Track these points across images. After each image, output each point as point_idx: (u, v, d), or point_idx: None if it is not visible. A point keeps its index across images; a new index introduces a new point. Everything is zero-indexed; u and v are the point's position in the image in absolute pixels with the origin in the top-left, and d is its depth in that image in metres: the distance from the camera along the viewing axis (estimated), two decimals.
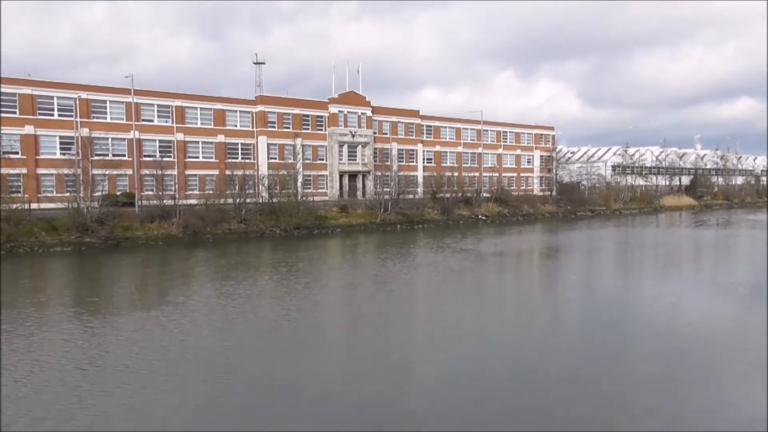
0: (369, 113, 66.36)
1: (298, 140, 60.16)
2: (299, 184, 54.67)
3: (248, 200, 48.85)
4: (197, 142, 55.91)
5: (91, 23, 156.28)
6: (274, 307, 20.67)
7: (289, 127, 60.93)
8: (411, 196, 61.40)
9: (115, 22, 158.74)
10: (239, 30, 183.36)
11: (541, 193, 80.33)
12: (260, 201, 50.72)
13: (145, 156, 51.67)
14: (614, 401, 11.62)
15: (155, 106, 53.67)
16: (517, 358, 14.31)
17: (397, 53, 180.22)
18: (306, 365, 14.11)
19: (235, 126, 58.55)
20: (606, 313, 19.30)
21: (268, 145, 59.45)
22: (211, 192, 50.35)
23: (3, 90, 46.76)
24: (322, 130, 63.60)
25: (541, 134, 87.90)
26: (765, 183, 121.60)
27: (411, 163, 71.22)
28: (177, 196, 46.46)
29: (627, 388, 12.23)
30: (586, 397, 11.91)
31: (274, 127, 60.03)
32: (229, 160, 56.14)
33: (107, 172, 45.86)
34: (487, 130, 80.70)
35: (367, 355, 15.00)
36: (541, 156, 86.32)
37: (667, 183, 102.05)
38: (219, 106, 57.22)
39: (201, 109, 56.27)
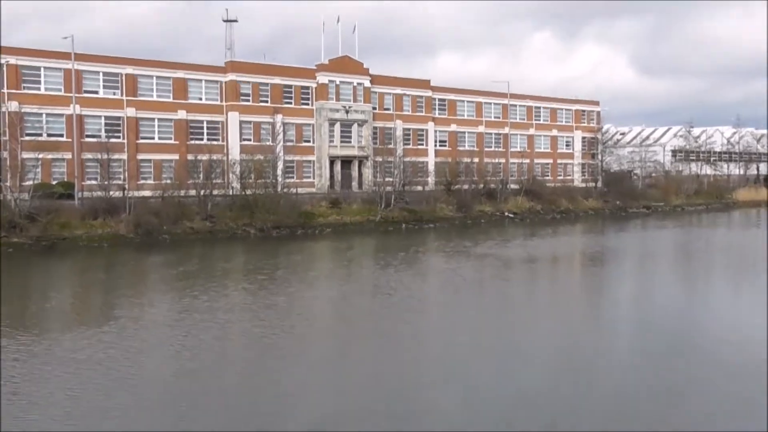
0: (367, 83, 66.63)
1: (279, 117, 60.45)
2: (279, 171, 54.91)
3: (215, 192, 49.03)
4: (152, 120, 56.16)
5: None
6: (247, 323, 20.98)
7: (267, 101, 61.16)
8: (419, 188, 61.45)
9: None
10: None
11: (584, 185, 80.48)
12: (230, 193, 50.82)
13: (87, 136, 51.88)
14: None
15: (101, 74, 53.91)
16: (552, 395, 14.41)
17: (405, 10, 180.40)
18: (287, 395, 14.40)
19: (200, 99, 58.77)
20: (665, 335, 19.48)
21: (241, 123, 59.68)
22: (169, 182, 50.54)
23: None
24: (308, 104, 63.84)
25: (584, 110, 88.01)
26: None
27: (420, 146, 71.50)
28: (127, 186, 46.64)
29: None
30: None
31: (248, 100, 60.26)
32: (192, 142, 56.42)
33: (40, 156, 46.10)
34: (516, 105, 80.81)
35: (365, 385, 15.28)
36: (584, 138, 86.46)
37: (742, 172, 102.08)
38: (180, 74, 57.50)
39: (157, 78, 56.49)
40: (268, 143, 57.81)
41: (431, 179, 66.49)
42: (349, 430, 12.51)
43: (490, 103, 78.53)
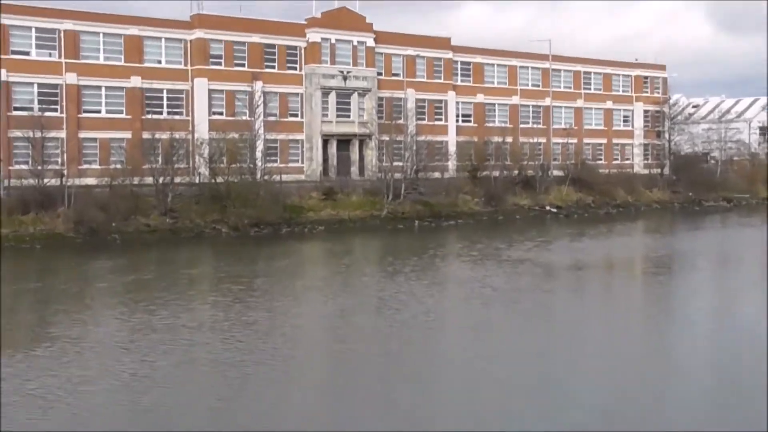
0: (371, 42, 66.54)
1: (258, 85, 60.47)
2: (259, 154, 54.95)
3: (178, 180, 49.21)
4: (99, 88, 56.23)
5: None
6: (218, 344, 20.95)
7: (243, 65, 61.16)
8: (437, 175, 61.43)
9: None
10: None
11: (646, 171, 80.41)
12: (197, 181, 51.01)
13: (16, 109, 52.04)
14: None
15: (33, 30, 53.94)
16: None
17: None
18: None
19: (159, 62, 58.82)
20: (752, 361, 19.36)
21: (211, 92, 59.72)
22: (119, 167, 50.67)
23: None
24: (295, 68, 63.82)
25: (647, 77, 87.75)
26: None
27: (437, 122, 71.43)
28: (66, 172, 46.78)
29: None
30: None
31: (219, 64, 60.26)
32: (149, 117, 56.49)
33: None
34: (560, 71, 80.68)
35: (364, 421, 15.25)
36: (646, 112, 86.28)
37: None
38: (133, 30, 57.51)
39: (105, 35, 56.54)
40: (244, 118, 57.86)
41: (452, 164, 66.47)
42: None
43: (527, 68, 78.39)
